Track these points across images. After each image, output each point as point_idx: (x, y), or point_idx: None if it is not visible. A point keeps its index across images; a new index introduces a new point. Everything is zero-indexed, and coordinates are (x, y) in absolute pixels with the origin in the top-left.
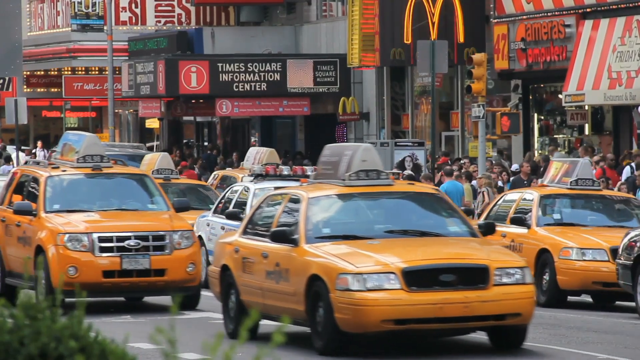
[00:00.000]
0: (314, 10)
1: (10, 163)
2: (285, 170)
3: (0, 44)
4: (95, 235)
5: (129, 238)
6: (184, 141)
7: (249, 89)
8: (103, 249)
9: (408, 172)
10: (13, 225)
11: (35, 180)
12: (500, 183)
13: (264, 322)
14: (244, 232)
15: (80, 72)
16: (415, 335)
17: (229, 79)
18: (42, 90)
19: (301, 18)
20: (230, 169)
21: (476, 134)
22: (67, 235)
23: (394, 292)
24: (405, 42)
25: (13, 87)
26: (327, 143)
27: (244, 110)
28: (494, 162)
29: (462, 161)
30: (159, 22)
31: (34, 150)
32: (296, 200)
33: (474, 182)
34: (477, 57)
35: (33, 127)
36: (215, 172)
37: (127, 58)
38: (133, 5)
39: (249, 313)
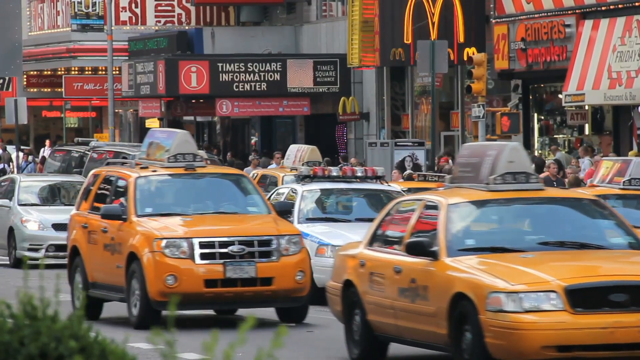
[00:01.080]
0: (314, 10)
1: (11, 164)
2: (335, 171)
3: (0, 44)
4: (195, 241)
5: (232, 243)
6: None
7: (249, 89)
8: (204, 256)
9: (408, 171)
10: (98, 231)
11: (122, 182)
12: None
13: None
14: (370, 243)
15: (74, 72)
16: None
17: (229, 79)
18: (44, 90)
19: (301, 18)
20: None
21: (476, 134)
22: (164, 241)
23: (556, 314)
24: (405, 42)
25: (13, 87)
26: (327, 143)
27: (244, 110)
28: None
29: None
30: (159, 22)
31: (42, 149)
32: (433, 207)
33: None
34: (477, 57)
35: (33, 127)
36: (253, 172)
37: (127, 58)
38: (133, 5)
39: (377, 336)
